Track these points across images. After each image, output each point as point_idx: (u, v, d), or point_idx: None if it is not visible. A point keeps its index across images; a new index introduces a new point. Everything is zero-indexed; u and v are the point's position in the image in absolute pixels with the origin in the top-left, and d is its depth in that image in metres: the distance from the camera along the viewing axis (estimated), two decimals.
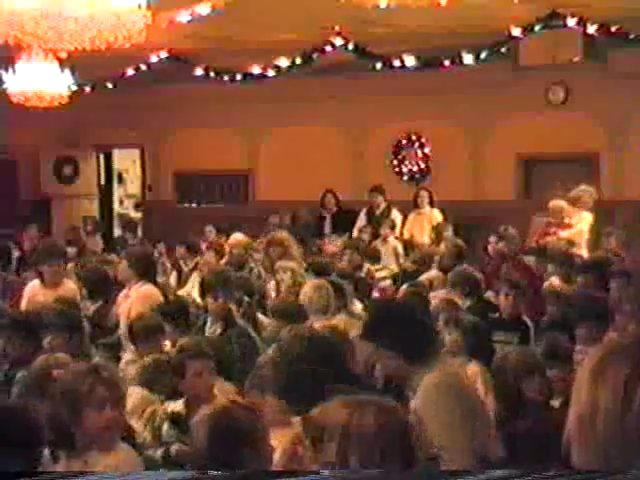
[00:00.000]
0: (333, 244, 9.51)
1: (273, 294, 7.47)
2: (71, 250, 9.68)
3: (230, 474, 1.82)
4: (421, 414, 3.05)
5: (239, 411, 2.89)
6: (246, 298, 6.33)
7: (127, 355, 5.15)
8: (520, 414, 3.74)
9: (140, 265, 6.24)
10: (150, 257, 6.61)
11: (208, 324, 5.66)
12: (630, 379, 1.26)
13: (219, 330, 5.47)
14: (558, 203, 9.33)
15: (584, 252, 8.90)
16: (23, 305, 6.44)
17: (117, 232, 15.35)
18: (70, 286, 6.59)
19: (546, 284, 6.95)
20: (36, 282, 6.59)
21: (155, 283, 6.54)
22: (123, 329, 6.02)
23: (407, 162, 12.94)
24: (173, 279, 8.90)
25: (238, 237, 8.68)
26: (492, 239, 8.90)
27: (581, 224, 9.22)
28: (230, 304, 5.74)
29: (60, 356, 4.16)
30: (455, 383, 3.33)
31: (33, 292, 6.52)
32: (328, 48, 10.19)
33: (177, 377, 4.12)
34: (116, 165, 16.54)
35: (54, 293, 6.32)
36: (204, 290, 5.95)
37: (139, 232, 13.66)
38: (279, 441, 3.03)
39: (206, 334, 5.57)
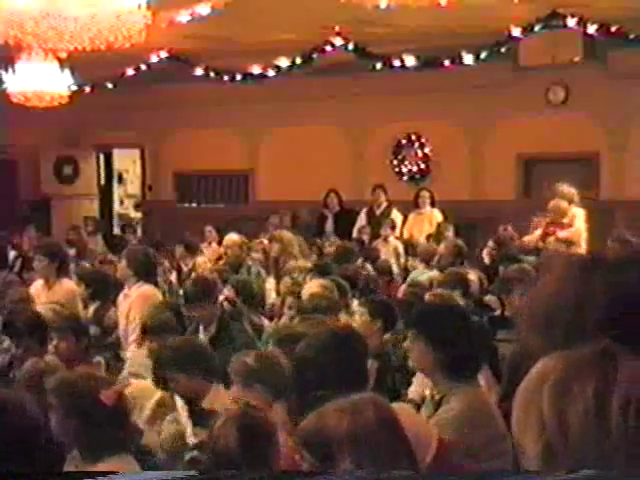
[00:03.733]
0: (334, 245, 9.48)
1: (273, 294, 7.46)
2: (72, 251, 9.70)
3: (235, 475, 1.81)
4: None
5: (259, 412, 2.90)
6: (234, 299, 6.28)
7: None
8: None
9: (139, 265, 6.23)
10: (150, 257, 6.59)
11: (201, 329, 5.59)
12: (600, 395, 1.12)
13: (212, 332, 5.43)
14: (558, 203, 9.32)
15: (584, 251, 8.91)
16: None
17: (117, 232, 15.38)
18: (70, 287, 6.57)
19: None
20: (39, 283, 6.59)
21: (156, 284, 6.54)
22: (122, 329, 6.03)
23: (407, 162, 12.94)
24: (173, 279, 8.89)
25: (233, 237, 8.67)
26: (490, 244, 8.86)
27: (576, 221, 9.22)
28: (216, 310, 5.66)
29: (50, 359, 4.17)
30: (481, 416, 3.18)
31: (35, 293, 6.51)
32: (328, 48, 10.20)
33: None
34: (116, 165, 16.55)
35: (55, 294, 6.32)
36: (189, 299, 5.70)
37: (139, 232, 13.68)
38: None
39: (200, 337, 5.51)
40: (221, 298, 6.14)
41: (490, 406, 3.26)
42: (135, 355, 5.27)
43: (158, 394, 4.35)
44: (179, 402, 3.99)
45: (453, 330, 3.26)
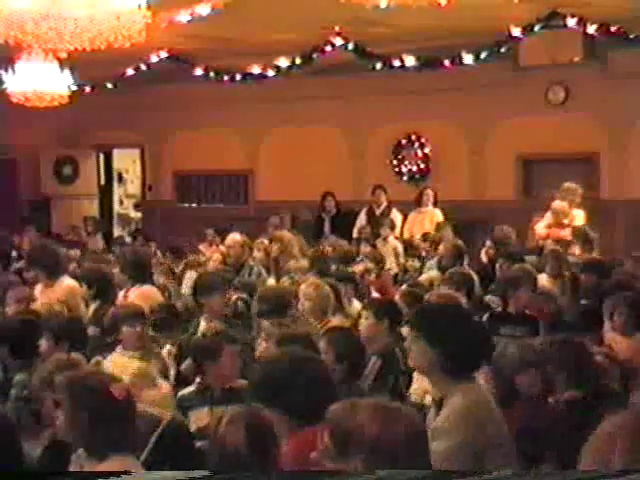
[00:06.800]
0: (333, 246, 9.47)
1: None
2: (74, 252, 9.68)
3: (235, 475, 1.82)
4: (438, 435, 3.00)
5: (261, 412, 2.90)
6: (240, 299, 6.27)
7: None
8: (515, 408, 3.71)
9: (131, 268, 6.21)
10: (142, 259, 6.54)
11: (202, 324, 5.58)
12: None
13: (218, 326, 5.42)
14: (561, 204, 9.34)
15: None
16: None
17: (117, 232, 15.39)
18: (70, 285, 6.54)
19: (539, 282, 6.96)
20: (40, 284, 6.55)
21: (153, 283, 6.52)
22: None
23: (407, 162, 12.94)
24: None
25: (236, 237, 8.66)
26: (488, 243, 8.87)
27: (575, 222, 9.24)
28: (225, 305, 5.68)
29: (74, 356, 4.18)
30: (482, 413, 3.16)
31: (37, 294, 6.49)
32: (328, 48, 10.19)
33: (209, 360, 4.18)
34: (116, 165, 16.56)
35: (54, 292, 6.30)
36: (198, 291, 5.72)
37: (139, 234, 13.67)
38: None
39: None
40: (234, 298, 6.14)
41: (490, 404, 3.25)
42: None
43: (135, 365, 4.46)
44: None
45: (451, 329, 3.26)
